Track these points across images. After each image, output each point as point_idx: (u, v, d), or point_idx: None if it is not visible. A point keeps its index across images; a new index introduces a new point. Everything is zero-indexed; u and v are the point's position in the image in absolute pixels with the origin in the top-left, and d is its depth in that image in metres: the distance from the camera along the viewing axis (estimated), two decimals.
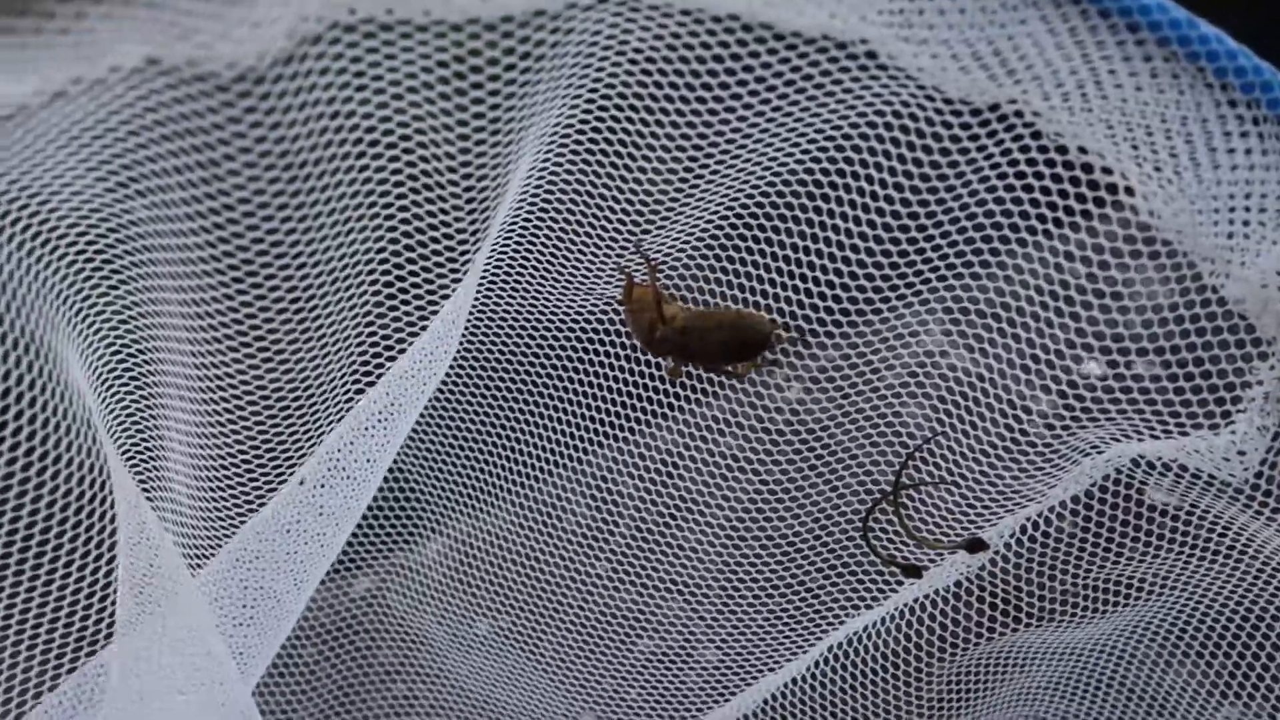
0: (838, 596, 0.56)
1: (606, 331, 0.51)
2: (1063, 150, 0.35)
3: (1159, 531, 0.47)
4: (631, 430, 0.54)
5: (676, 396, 0.52)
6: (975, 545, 0.49)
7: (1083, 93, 0.33)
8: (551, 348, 0.53)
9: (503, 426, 0.56)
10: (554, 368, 0.53)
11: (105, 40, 0.26)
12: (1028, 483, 0.46)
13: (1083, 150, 0.35)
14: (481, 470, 0.58)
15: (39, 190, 0.34)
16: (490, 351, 0.54)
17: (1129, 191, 0.35)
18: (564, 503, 0.59)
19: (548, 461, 0.57)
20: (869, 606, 0.55)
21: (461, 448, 0.58)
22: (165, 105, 0.30)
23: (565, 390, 0.54)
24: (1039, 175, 0.36)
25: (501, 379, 0.55)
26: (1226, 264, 0.36)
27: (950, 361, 0.47)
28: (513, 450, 0.57)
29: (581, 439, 0.55)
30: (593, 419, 0.54)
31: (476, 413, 0.56)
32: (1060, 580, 0.49)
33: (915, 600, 0.52)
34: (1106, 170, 0.35)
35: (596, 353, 0.52)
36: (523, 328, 0.52)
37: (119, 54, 0.27)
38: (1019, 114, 0.34)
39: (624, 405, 0.53)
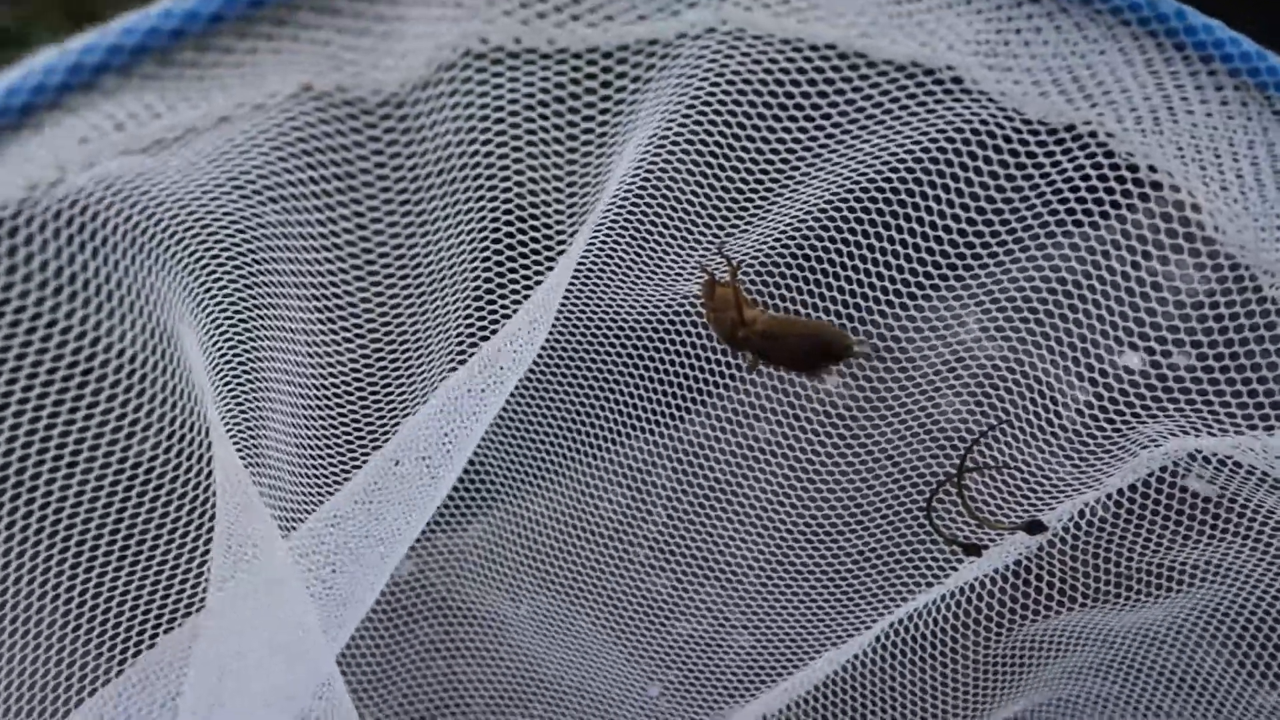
0: (874, 584, 0.57)
1: (657, 325, 0.53)
2: (1133, 169, 0.37)
3: (1209, 520, 0.49)
4: (666, 417, 0.56)
5: (708, 385, 0.54)
6: (1034, 527, 0.51)
7: (1155, 117, 0.35)
8: (589, 339, 0.55)
9: (539, 413, 0.58)
10: (590, 357, 0.55)
11: (270, 71, 0.29)
12: (1087, 470, 0.49)
13: (1153, 169, 0.37)
14: (520, 456, 0.60)
15: (182, 196, 0.37)
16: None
17: (1195, 208, 0.37)
18: (601, 488, 0.61)
19: (584, 447, 0.59)
20: (929, 585, 0.57)
21: (501, 434, 0.60)
22: (311, 125, 0.32)
23: (601, 377, 0.56)
24: (1110, 190, 0.39)
25: (540, 367, 0.57)
26: None
27: (987, 352, 0.50)
28: (550, 436, 0.59)
29: (617, 425, 0.57)
30: (628, 406, 0.56)
31: (515, 400, 0.58)
32: (1114, 564, 0.52)
33: (974, 579, 0.54)
34: (1175, 188, 0.37)
35: (630, 343, 0.54)
36: (569, 320, 0.54)
37: (279, 82, 0.30)
38: (1093, 134, 0.37)
39: (658, 392, 0.55)
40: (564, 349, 0.56)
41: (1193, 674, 0.56)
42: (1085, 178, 0.39)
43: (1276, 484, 0.44)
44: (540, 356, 0.55)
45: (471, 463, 0.61)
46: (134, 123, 0.29)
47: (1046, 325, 0.47)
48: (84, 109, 0.27)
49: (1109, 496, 0.50)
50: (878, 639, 0.59)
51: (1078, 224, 0.41)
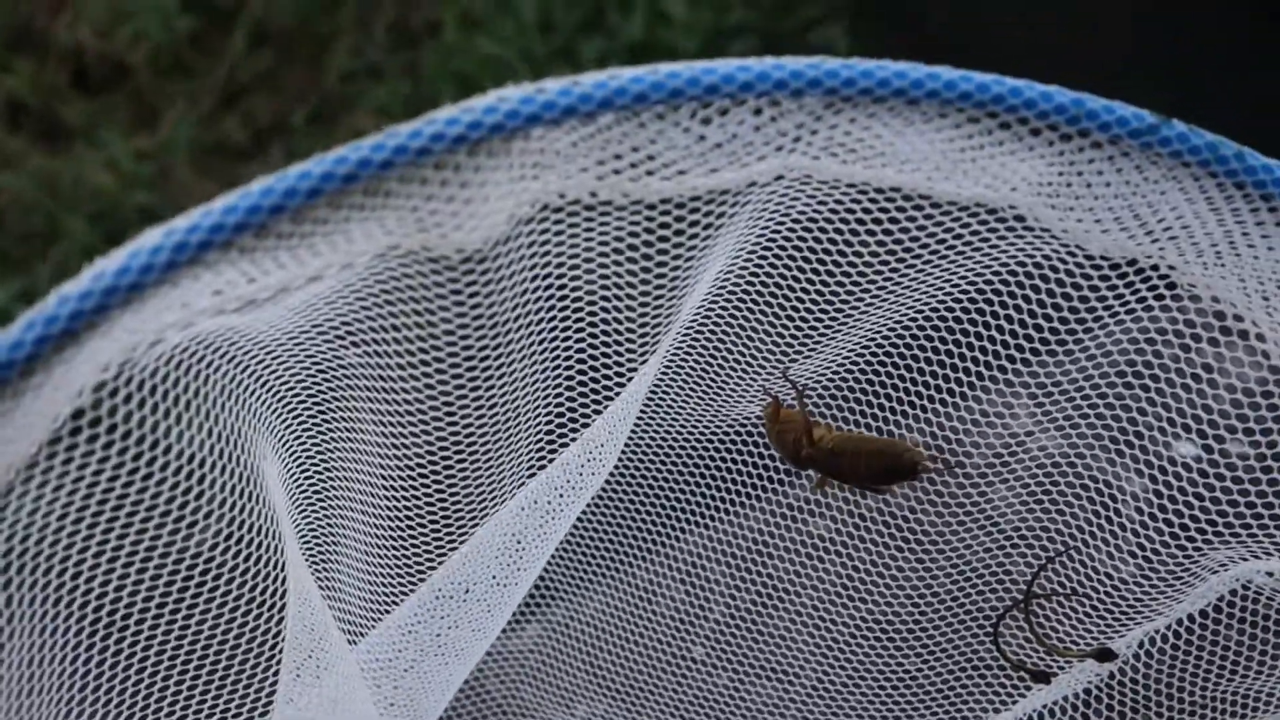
0: (940, 690, 0.57)
1: (708, 439, 0.53)
2: (1196, 299, 0.37)
3: None
4: (722, 513, 0.56)
5: (763, 480, 0.54)
6: (1104, 655, 0.51)
7: (1217, 251, 0.36)
8: (653, 438, 0.55)
9: (596, 511, 0.59)
10: (644, 454, 0.56)
11: (358, 234, 0.30)
12: (1157, 597, 0.48)
13: (1215, 300, 0.37)
14: (576, 555, 0.60)
15: (269, 344, 0.38)
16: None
17: (1260, 338, 0.37)
18: (658, 587, 0.61)
19: (641, 544, 0.59)
20: (996, 711, 0.56)
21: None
22: (395, 279, 0.33)
23: (655, 474, 0.56)
24: (1173, 320, 0.39)
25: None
26: None
27: (1040, 443, 0.49)
28: (607, 534, 0.59)
29: (673, 522, 0.57)
30: (684, 501, 0.56)
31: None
32: (1188, 693, 0.51)
33: (1044, 706, 0.53)
34: (1238, 318, 0.37)
35: (686, 440, 0.54)
36: (636, 432, 0.54)
37: (367, 244, 0.31)
38: (1155, 267, 0.37)
39: (714, 488, 0.55)
40: (624, 452, 0.56)
41: None
42: (1148, 309, 0.39)
43: None
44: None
45: None
46: (230, 288, 0.30)
47: (1099, 415, 0.47)
48: (185, 280, 0.29)
49: (1179, 622, 0.49)
50: None
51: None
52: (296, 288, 0.31)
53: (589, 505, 0.58)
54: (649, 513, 0.57)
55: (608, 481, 0.57)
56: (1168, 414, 0.44)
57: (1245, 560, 0.45)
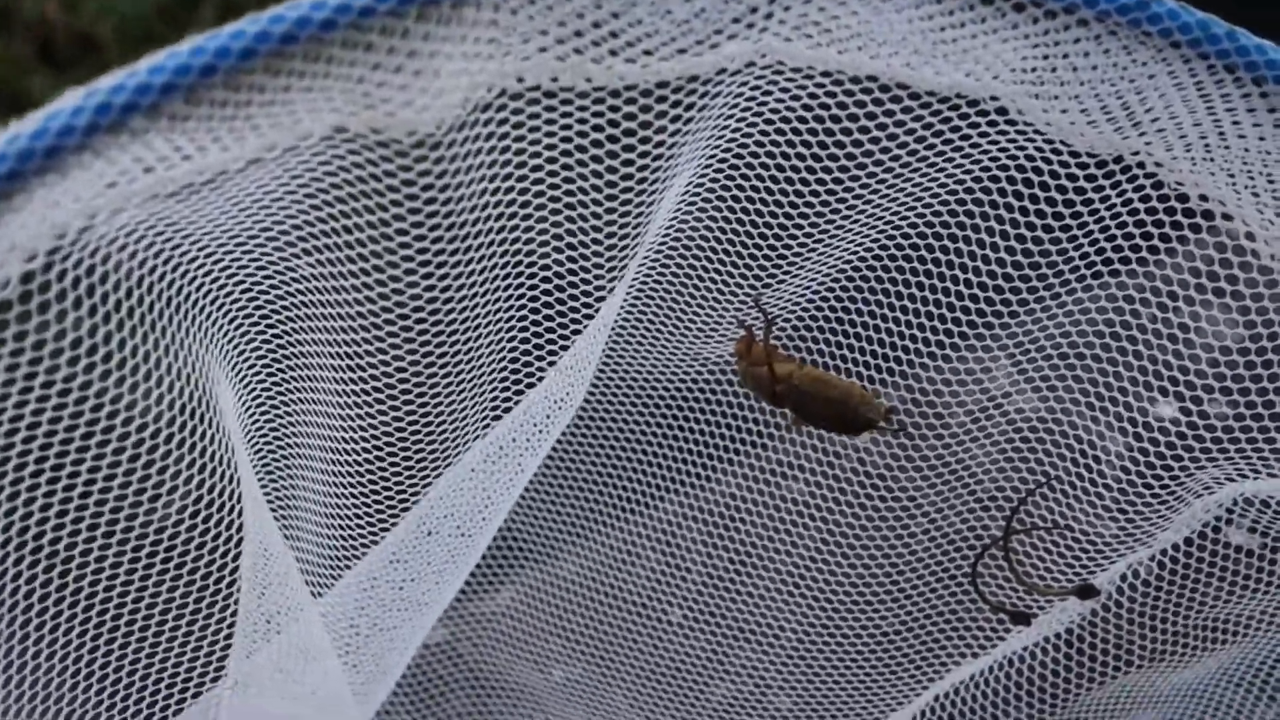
0: (919, 646, 0.55)
1: (690, 385, 0.51)
2: (1183, 199, 0.36)
3: (1264, 569, 0.47)
4: (699, 475, 0.54)
5: (740, 443, 0.53)
6: (1086, 591, 0.49)
7: (1205, 143, 0.34)
8: (623, 398, 0.53)
9: (571, 474, 0.57)
10: (620, 417, 0.54)
11: (304, 111, 0.28)
12: (1139, 526, 0.46)
13: (1204, 198, 0.35)
14: (552, 519, 0.59)
15: (214, 250, 0.35)
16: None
17: (1250, 237, 0.35)
18: (634, 550, 0.59)
19: (616, 508, 0.57)
20: (975, 655, 0.54)
21: (533, 496, 0.58)
22: (345, 170, 0.31)
23: (633, 437, 0.54)
24: (1159, 223, 0.37)
25: (571, 428, 0.55)
26: None
27: (1018, 404, 0.48)
28: (581, 497, 0.57)
29: (650, 486, 0.55)
30: (660, 465, 0.54)
31: (548, 461, 0.57)
32: (1168, 623, 0.49)
33: (1024, 648, 0.51)
34: (1227, 217, 0.35)
35: (662, 401, 0.53)
36: (609, 381, 0.53)
37: (312, 123, 0.28)
38: (1141, 165, 0.35)
39: (691, 450, 0.53)
40: (596, 408, 0.54)
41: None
42: (1134, 212, 0.37)
43: None
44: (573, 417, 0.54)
45: (502, 525, 0.59)
46: (163, 165, 0.28)
47: (1078, 375, 0.45)
48: (112, 151, 0.26)
49: (1161, 554, 0.47)
50: (922, 713, 0.56)
51: (1114, 273, 0.39)
52: (238, 170, 0.29)
53: (563, 466, 0.56)
54: (625, 474, 0.55)
55: (583, 440, 0.55)
56: (1146, 375, 0.43)
57: (1231, 480, 0.43)
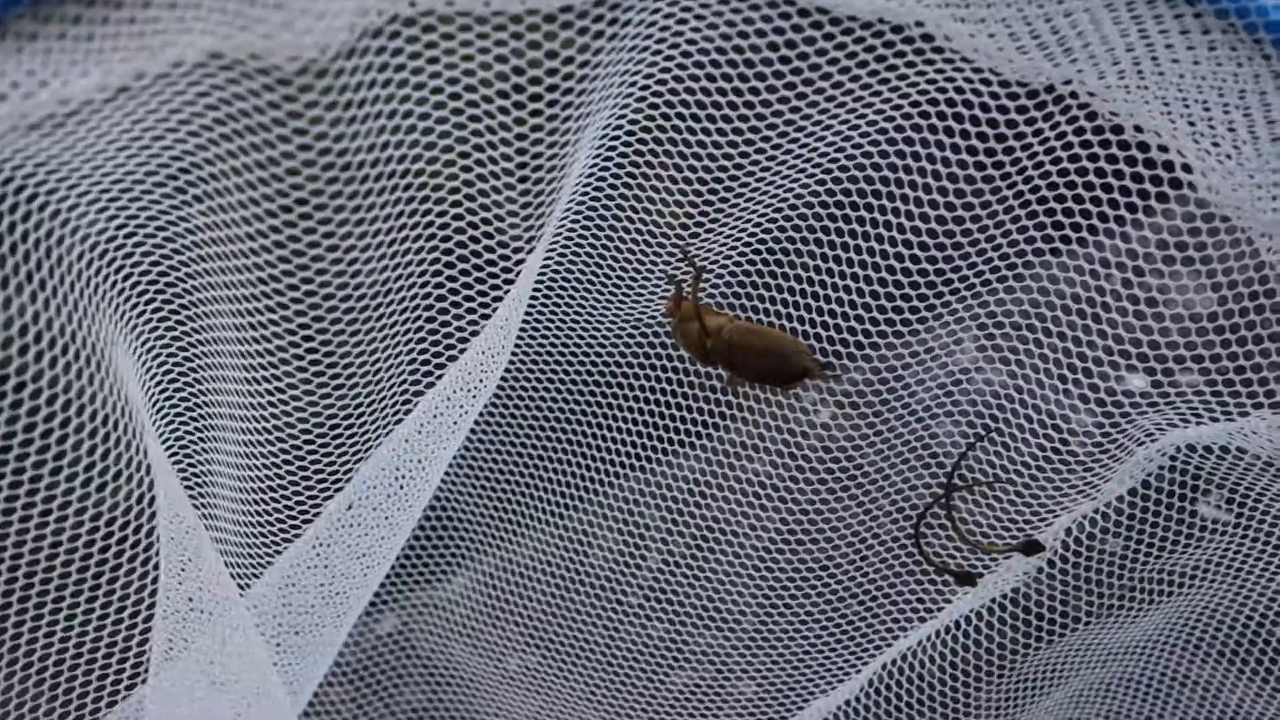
0: (874, 623, 0.54)
1: (632, 354, 0.50)
2: (1118, 130, 0.34)
3: (1211, 518, 0.46)
4: (658, 456, 0.53)
5: (702, 421, 0.51)
6: (1031, 547, 0.47)
7: (1139, 70, 0.32)
8: (576, 375, 0.51)
9: (527, 457, 0.55)
10: (577, 396, 0.52)
11: (170, 31, 0.26)
12: (1085, 476, 0.45)
13: (1138, 129, 0.34)
14: (506, 502, 0.57)
15: (98, 197, 0.33)
16: (515, 380, 0.52)
17: (1186, 169, 0.34)
18: (591, 533, 0.57)
19: (573, 491, 0.55)
20: (922, 619, 0.53)
21: (486, 480, 0.57)
22: (226, 101, 0.29)
23: (590, 418, 0.52)
24: (1093, 157, 0.35)
25: (523, 410, 0.53)
26: None
27: (985, 377, 0.46)
28: (537, 481, 0.55)
29: (607, 466, 0.54)
30: (618, 447, 0.53)
31: (500, 444, 0.55)
32: (1115, 577, 0.48)
33: (971, 610, 0.50)
34: (1163, 149, 0.34)
35: (620, 378, 0.51)
36: (549, 356, 0.51)
37: (182, 46, 0.26)
38: (1074, 95, 0.33)
39: (649, 432, 0.52)
40: (547, 386, 0.52)
41: (1193, 681, 0.52)
42: (1067, 146, 0.35)
43: (1276, 469, 0.41)
44: (523, 393, 0.52)
45: (454, 510, 0.57)
46: (18, 93, 0.25)
47: (1045, 348, 0.44)
48: None
49: (1107, 505, 0.46)
50: (871, 682, 0.55)
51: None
52: (106, 100, 0.27)
53: (516, 447, 0.54)
54: (581, 455, 0.54)
55: (537, 420, 0.53)
56: (1118, 346, 0.41)
57: (1174, 426, 0.42)
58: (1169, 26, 0.31)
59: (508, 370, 0.51)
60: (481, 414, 0.53)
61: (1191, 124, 0.33)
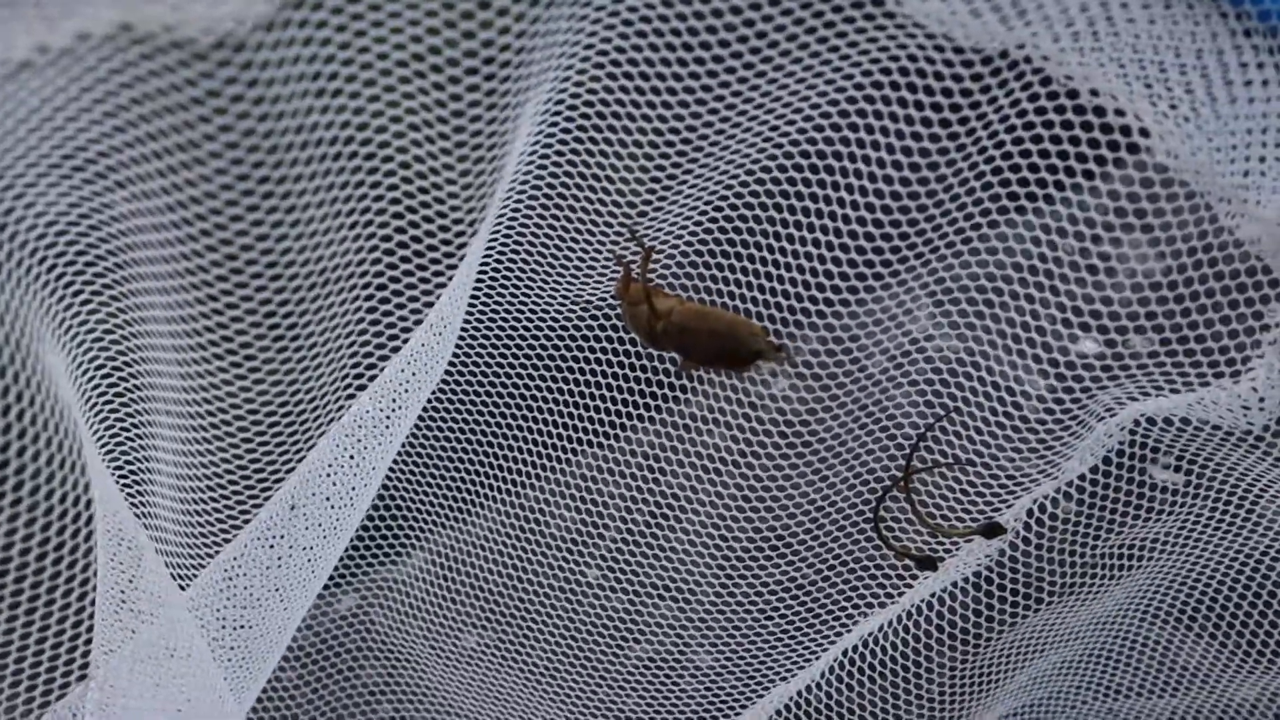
0: (837, 597, 0.53)
1: (586, 332, 0.48)
2: (1073, 94, 0.33)
3: (1166, 492, 0.45)
4: (616, 430, 0.52)
5: (659, 395, 0.50)
6: (992, 530, 0.46)
7: (1093, 31, 0.31)
8: (531, 349, 0.50)
9: (483, 432, 0.54)
10: (533, 370, 0.51)
11: (71, 1, 0.24)
12: (1045, 455, 0.44)
13: (1094, 93, 0.32)
14: (463, 479, 0.55)
15: (12, 183, 0.31)
16: (465, 358, 0.51)
17: (1144, 133, 0.33)
18: (549, 507, 0.56)
19: (531, 466, 0.54)
20: (881, 605, 0.52)
21: (442, 456, 0.55)
22: (141, 79, 0.27)
23: (546, 392, 0.51)
24: (1048, 124, 0.34)
25: (480, 384, 0.52)
26: (1243, 203, 0.34)
27: (938, 345, 0.45)
28: (494, 456, 0.54)
29: (564, 442, 0.52)
30: (575, 421, 0.51)
31: (456, 420, 0.54)
32: (1077, 555, 0.47)
33: (933, 594, 0.49)
34: (1119, 112, 0.32)
35: (576, 352, 0.50)
36: (502, 330, 0.49)
37: (87, 18, 0.24)
38: (1027, 59, 0.32)
39: (607, 405, 0.51)
40: (500, 360, 0.51)
41: (1160, 653, 0.52)
42: (1021, 112, 0.34)
43: (1242, 438, 0.40)
44: (479, 366, 0.50)
45: (412, 488, 0.56)
46: None
47: (999, 314, 0.42)
48: None
49: (1068, 484, 0.45)
50: (833, 667, 0.54)
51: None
52: (7, 76, 0.25)
53: (473, 421, 0.53)
54: (538, 430, 0.52)
55: (491, 393, 0.52)
56: (1068, 310, 0.40)
57: (1133, 400, 0.41)
58: None
59: (461, 348, 0.50)
60: (436, 391, 0.52)
61: (1148, 86, 0.32)
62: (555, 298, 0.46)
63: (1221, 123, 0.32)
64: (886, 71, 0.34)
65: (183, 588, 0.45)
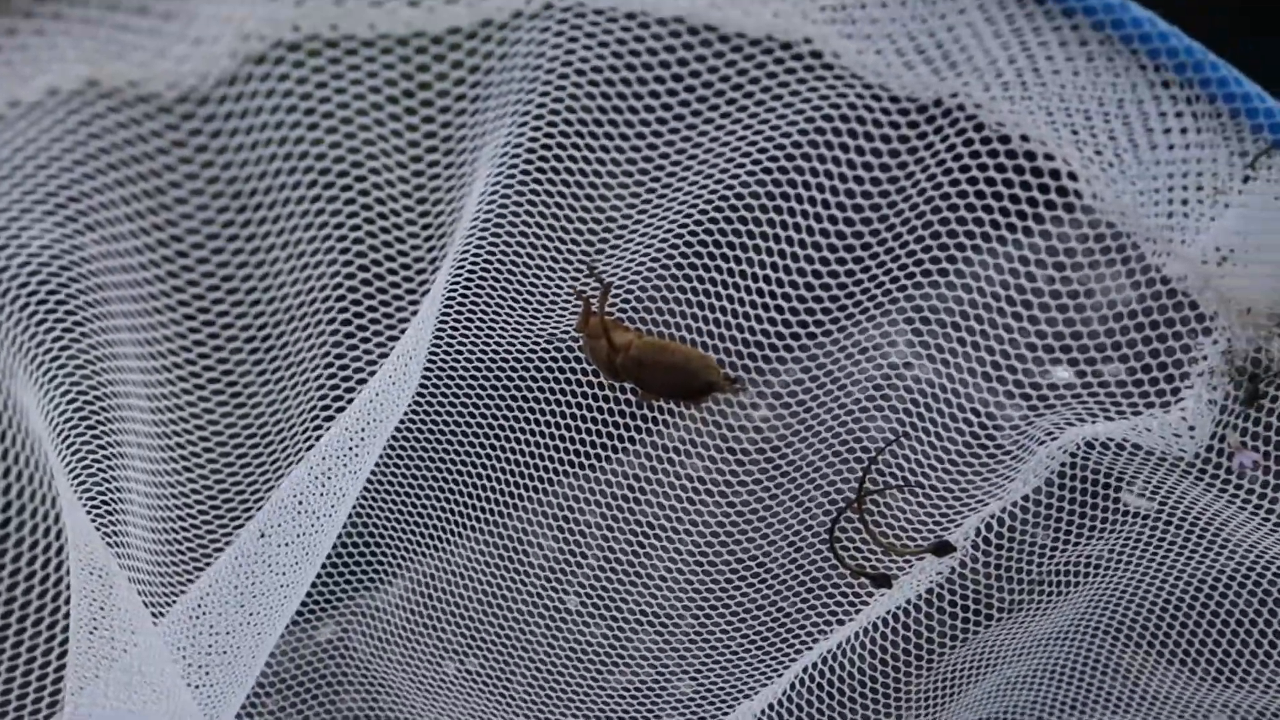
0: (810, 615, 0.54)
1: (565, 359, 0.49)
2: (1005, 140, 0.34)
3: (1110, 510, 0.46)
4: (595, 458, 0.52)
5: (639, 422, 0.50)
6: (942, 548, 0.47)
7: (1022, 81, 0.32)
8: (509, 378, 0.51)
9: (462, 461, 0.54)
10: (512, 398, 0.51)
11: (41, 58, 0.25)
12: (989, 478, 0.45)
13: (1025, 138, 0.34)
14: (442, 507, 0.56)
15: None
16: (445, 386, 0.52)
17: (1072, 176, 0.34)
18: (530, 535, 0.56)
19: (511, 494, 0.54)
20: (840, 622, 0.53)
21: (421, 485, 0.56)
22: (109, 130, 0.28)
23: (526, 420, 0.52)
24: (983, 167, 0.35)
25: (458, 413, 0.52)
26: (1168, 243, 0.35)
27: (915, 373, 0.46)
28: (474, 484, 0.54)
29: (545, 469, 0.53)
30: (555, 448, 0.52)
31: (435, 448, 0.54)
32: (1025, 571, 0.48)
33: (888, 612, 0.50)
34: (1049, 157, 0.34)
35: (556, 381, 0.50)
36: (479, 359, 0.50)
37: (56, 74, 0.25)
38: (961, 107, 0.33)
39: (586, 433, 0.51)
40: (480, 387, 0.51)
41: (1104, 665, 0.52)
42: (957, 156, 0.35)
43: (1175, 463, 0.41)
44: (457, 395, 0.51)
45: (391, 515, 0.56)
46: None
47: (974, 344, 0.44)
48: None
49: (1014, 503, 0.46)
50: (794, 684, 0.54)
51: (958, 216, 0.38)
52: None
53: (454, 449, 0.54)
54: (518, 457, 0.53)
55: (473, 421, 0.52)
56: (1044, 340, 0.41)
57: (1071, 425, 0.42)
58: (1048, 39, 0.31)
59: (436, 377, 0.51)
60: (415, 420, 0.52)
61: (1074, 133, 0.33)
62: (526, 330, 0.47)
63: (1144, 167, 0.33)
64: (829, 118, 0.35)
65: (156, 618, 0.45)
